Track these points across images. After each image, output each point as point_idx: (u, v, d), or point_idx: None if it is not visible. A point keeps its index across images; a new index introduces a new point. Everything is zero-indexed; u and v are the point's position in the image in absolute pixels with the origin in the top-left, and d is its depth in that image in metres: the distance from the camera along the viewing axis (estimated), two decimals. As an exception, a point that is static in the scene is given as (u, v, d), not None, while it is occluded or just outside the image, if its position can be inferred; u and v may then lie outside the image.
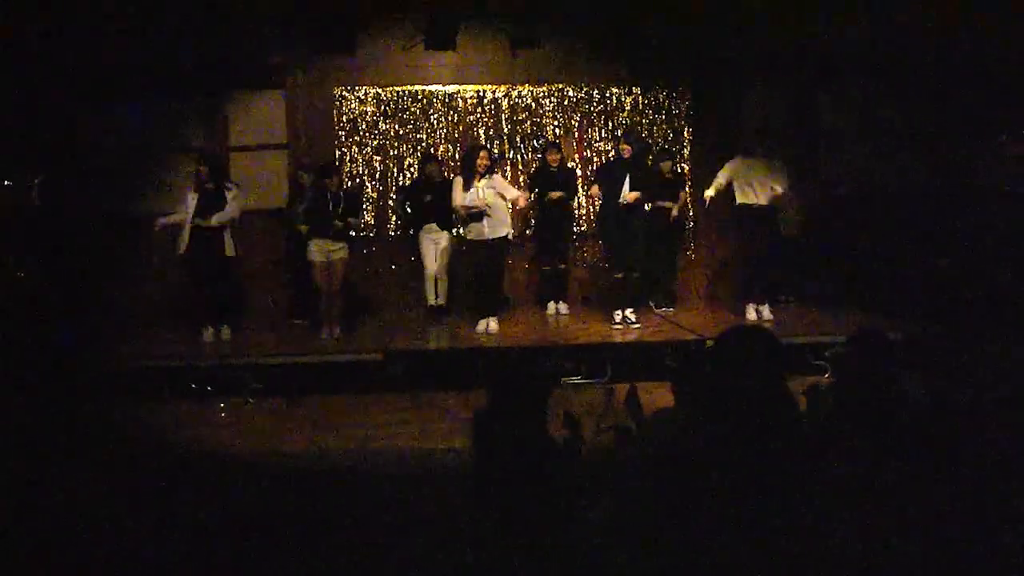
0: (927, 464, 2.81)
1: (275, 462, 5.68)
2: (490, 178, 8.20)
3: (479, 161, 8.16)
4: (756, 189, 8.27)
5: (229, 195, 8.11)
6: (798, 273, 9.56)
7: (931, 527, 2.53)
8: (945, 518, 2.58)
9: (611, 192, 8.36)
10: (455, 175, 9.46)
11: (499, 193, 8.19)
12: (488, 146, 9.49)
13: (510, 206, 8.33)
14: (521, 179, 9.98)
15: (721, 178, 8.37)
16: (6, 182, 8.56)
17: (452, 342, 8.17)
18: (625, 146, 8.39)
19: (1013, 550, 2.54)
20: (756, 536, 2.23)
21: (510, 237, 8.48)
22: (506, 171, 10.05)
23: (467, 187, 8.13)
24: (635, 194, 8.26)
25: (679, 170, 9.99)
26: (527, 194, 8.99)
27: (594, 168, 9.83)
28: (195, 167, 8.17)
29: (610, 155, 9.92)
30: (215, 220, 8.00)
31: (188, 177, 8.55)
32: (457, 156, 9.95)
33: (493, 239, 8.21)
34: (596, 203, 9.56)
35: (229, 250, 8.17)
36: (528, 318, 9.21)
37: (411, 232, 9.31)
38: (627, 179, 8.24)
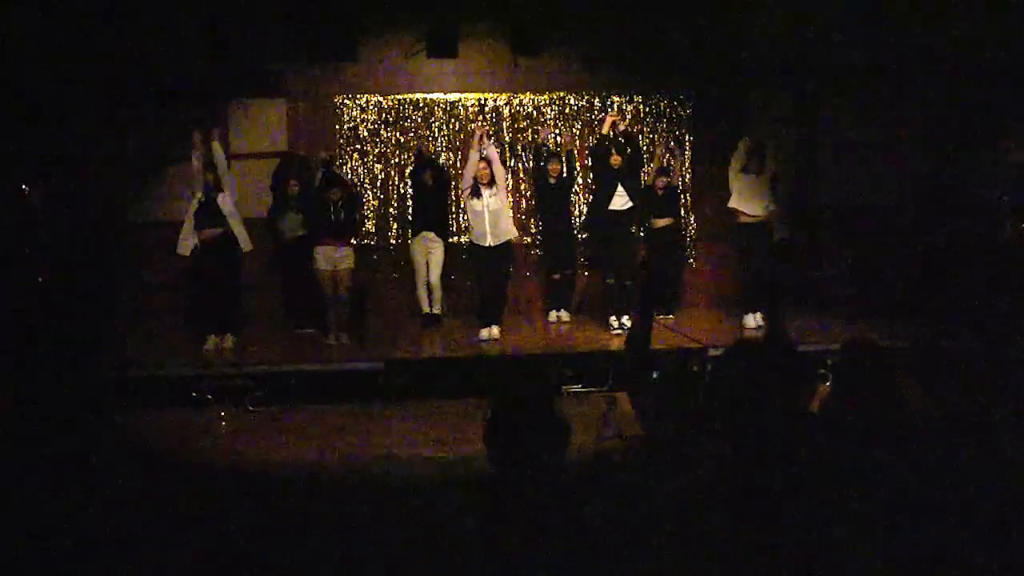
0: (929, 471, 2.81)
1: (276, 471, 5.67)
2: (494, 187, 8.26)
3: (480, 173, 8.22)
4: (753, 203, 8.38)
5: (221, 201, 8.14)
6: (795, 281, 9.56)
7: (934, 533, 2.53)
8: (948, 524, 2.58)
9: (602, 199, 8.40)
10: (453, 183, 9.56)
11: (497, 198, 8.29)
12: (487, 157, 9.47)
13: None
14: (523, 187, 10.00)
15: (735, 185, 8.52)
16: (24, 187, 8.56)
17: (454, 350, 8.16)
18: (616, 156, 8.44)
19: (1017, 556, 2.54)
20: (764, 543, 2.23)
21: (514, 241, 8.53)
22: (507, 179, 10.05)
23: (477, 196, 8.20)
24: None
25: (675, 186, 9.94)
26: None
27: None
28: (203, 175, 8.19)
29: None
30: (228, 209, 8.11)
31: (186, 181, 8.59)
32: (458, 164, 9.97)
33: (496, 246, 8.26)
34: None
35: (244, 245, 8.19)
36: (530, 326, 9.21)
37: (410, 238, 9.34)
38: (617, 189, 8.33)
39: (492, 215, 8.22)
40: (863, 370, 3.20)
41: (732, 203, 8.51)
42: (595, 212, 8.63)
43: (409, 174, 9.56)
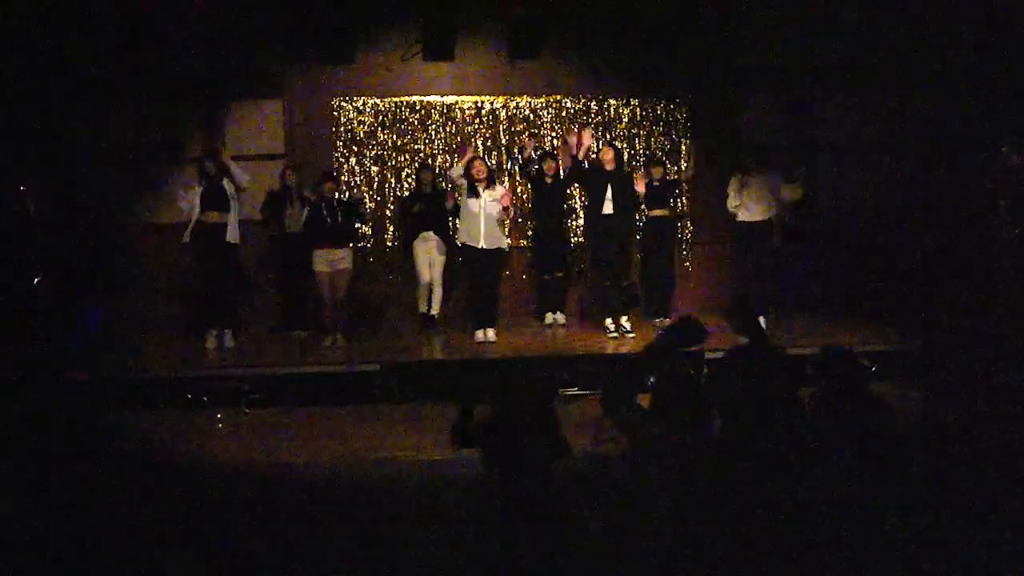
0: (914, 473, 2.83)
1: (272, 473, 5.67)
2: (494, 189, 8.26)
3: (475, 171, 8.23)
4: (753, 206, 8.38)
5: (230, 181, 8.22)
6: (788, 284, 9.54)
7: (920, 529, 2.55)
8: (934, 521, 2.60)
9: (595, 203, 8.39)
10: (451, 186, 9.58)
11: (498, 203, 8.26)
12: (484, 156, 9.48)
13: (506, 216, 8.37)
14: (519, 189, 9.99)
15: (733, 196, 8.51)
16: (21, 187, 8.56)
17: (450, 353, 8.16)
18: (608, 153, 8.41)
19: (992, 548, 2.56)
20: (756, 539, 2.24)
21: (507, 249, 8.56)
22: (503, 182, 10.06)
23: (474, 195, 8.21)
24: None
25: (670, 177, 9.89)
26: (509, 194, 8.85)
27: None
28: (200, 162, 8.28)
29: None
30: (241, 184, 8.24)
31: (187, 177, 8.63)
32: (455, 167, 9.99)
33: (489, 249, 8.24)
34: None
35: (231, 237, 8.23)
36: (526, 328, 9.20)
37: (407, 242, 9.33)
38: (608, 191, 8.27)
39: (488, 219, 8.22)
40: (838, 375, 3.24)
41: (741, 217, 8.52)
42: (591, 218, 8.59)
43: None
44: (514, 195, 10.01)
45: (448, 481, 5.03)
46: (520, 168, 9.30)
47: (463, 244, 8.44)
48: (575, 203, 9.97)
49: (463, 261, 8.70)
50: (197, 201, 8.13)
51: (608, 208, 8.28)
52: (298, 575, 3.70)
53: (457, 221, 8.67)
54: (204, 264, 8.29)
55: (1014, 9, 8.13)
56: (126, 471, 5.01)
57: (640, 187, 8.61)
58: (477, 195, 8.23)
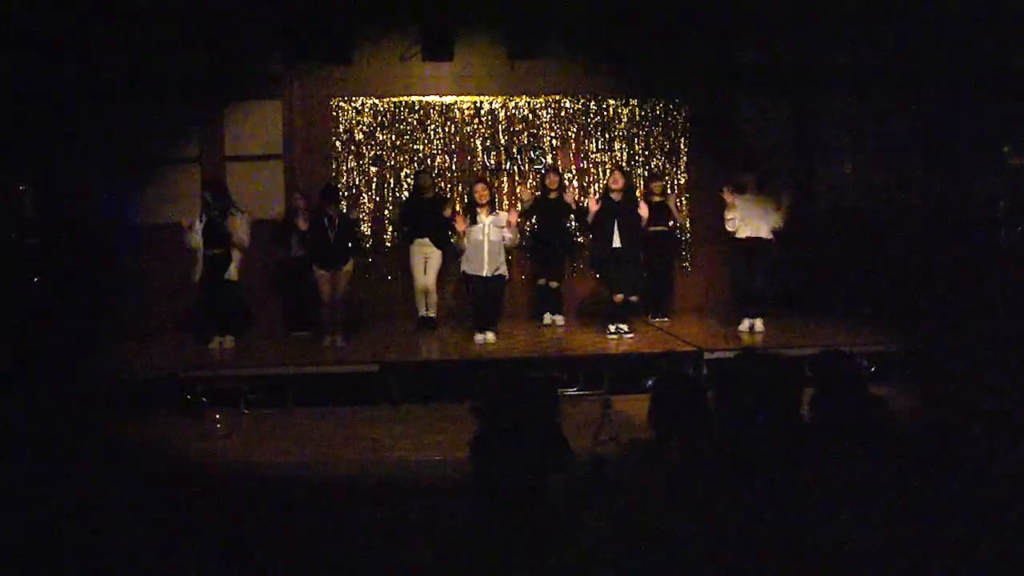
0: (910, 474, 2.84)
1: (271, 473, 5.67)
2: (496, 215, 8.25)
3: (477, 195, 8.23)
4: (752, 224, 8.35)
5: (235, 222, 8.22)
6: (787, 286, 9.54)
7: (916, 530, 2.55)
8: (929, 521, 2.60)
9: (602, 237, 8.38)
10: (449, 186, 9.56)
11: (501, 229, 8.22)
12: (486, 179, 9.38)
13: (506, 239, 8.31)
14: (519, 190, 9.97)
15: (731, 215, 8.41)
16: (21, 187, 8.56)
17: (449, 354, 8.16)
18: (617, 181, 8.41)
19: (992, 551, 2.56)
20: (756, 540, 2.24)
21: (506, 277, 8.55)
22: (503, 182, 10.07)
23: (473, 221, 8.19)
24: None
25: (670, 192, 9.88)
26: (516, 216, 8.75)
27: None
28: (200, 192, 8.27)
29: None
30: (236, 250, 8.24)
31: (185, 188, 8.63)
32: (454, 167, 9.99)
33: (490, 276, 8.25)
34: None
35: (233, 275, 8.26)
36: (524, 330, 9.19)
37: (407, 243, 9.33)
38: (615, 225, 8.25)
39: (492, 245, 8.20)
40: (836, 378, 3.25)
41: (741, 234, 8.43)
42: (598, 250, 8.57)
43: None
44: (514, 196, 9.98)
45: (447, 481, 5.04)
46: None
47: (466, 274, 8.39)
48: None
49: (466, 286, 8.68)
50: (199, 238, 8.15)
51: (616, 242, 8.28)
52: (297, 575, 3.69)
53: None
54: (207, 292, 8.34)
55: (1014, 9, 8.13)
56: (125, 471, 5.01)
57: (644, 212, 8.56)
58: (476, 221, 8.21)
